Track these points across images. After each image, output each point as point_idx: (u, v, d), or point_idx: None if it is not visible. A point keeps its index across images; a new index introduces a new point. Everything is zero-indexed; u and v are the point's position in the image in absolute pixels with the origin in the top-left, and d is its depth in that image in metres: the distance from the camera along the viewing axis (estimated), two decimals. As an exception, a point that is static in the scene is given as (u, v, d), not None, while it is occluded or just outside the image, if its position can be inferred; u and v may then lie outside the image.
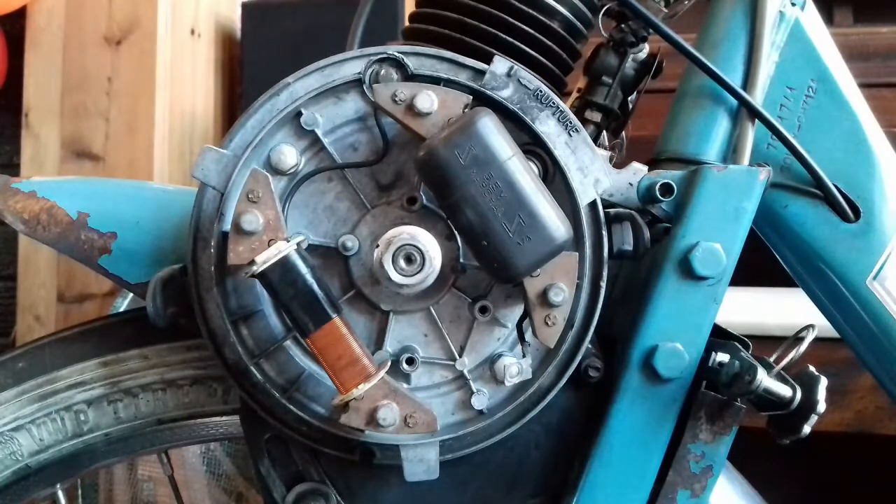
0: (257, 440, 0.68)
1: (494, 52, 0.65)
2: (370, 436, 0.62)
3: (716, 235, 0.64)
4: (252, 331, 0.64)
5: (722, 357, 0.65)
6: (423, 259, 0.59)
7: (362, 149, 0.64)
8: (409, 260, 0.59)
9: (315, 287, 0.57)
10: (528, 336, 0.64)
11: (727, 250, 0.64)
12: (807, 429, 0.61)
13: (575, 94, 0.78)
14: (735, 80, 0.70)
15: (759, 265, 0.79)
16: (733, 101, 0.70)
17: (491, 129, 0.56)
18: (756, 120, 0.69)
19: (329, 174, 0.64)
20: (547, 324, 0.59)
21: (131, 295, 1.47)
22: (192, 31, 2.01)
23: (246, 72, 2.04)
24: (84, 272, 1.83)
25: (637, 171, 0.66)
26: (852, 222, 0.71)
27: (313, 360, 0.64)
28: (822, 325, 0.68)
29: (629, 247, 0.64)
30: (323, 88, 0.62)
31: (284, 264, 0.56)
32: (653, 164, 0.72)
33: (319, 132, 0.63)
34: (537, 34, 0.69)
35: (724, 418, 0.65)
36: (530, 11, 0.69)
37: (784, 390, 0.61)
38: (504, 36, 0.68)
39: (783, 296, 1.51)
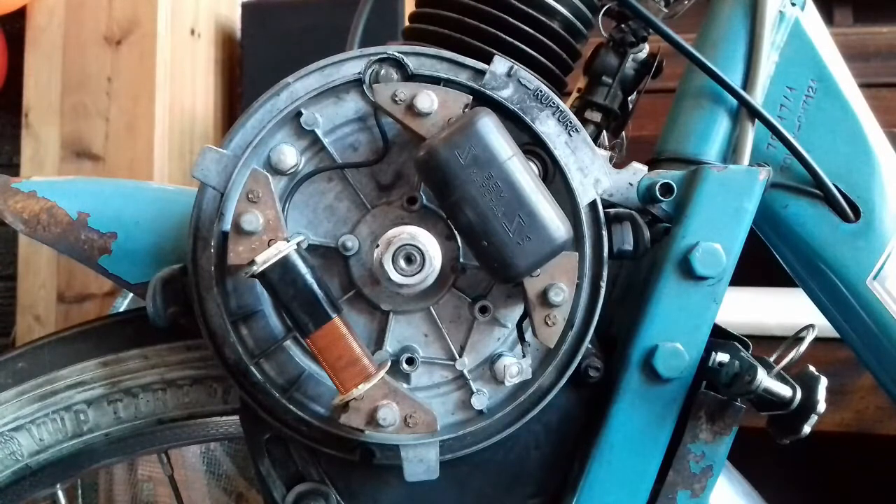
0: (257, 440, 0.68)
1: (494, 52, 0.65)
2: (370, 436, 0.62)
3: (716, 235, 0.64)
4: (252, 331, 0.64)
5: (722, 357, 0.65)
6: (423, 259, 0.58)
7: (362, 149, 0.64)
8: (409, 260, 0.59)
9: (315, 287, 0.57)
10: (528, 336, 0.64)
11: (727, 250, 0.64)
12: (807, 429, 0.61)
13: (575, 94, 0.78)
14: (735, 80, 0.70)
15: (759, 265, 0.79)
16: (733, 101, 0.70)
17: (491, 129, 0.56)
18: (756, 120, 0.69)
19: (329, 174, 0.64)
20: (547, 324, 0.59)
21: (131, 295, 1.47)
22: (192, 31, 2.01)
23: (246, 72, 2.04)
24: (84, 272, 1.83)
25: (637, 171, 0.66)
26: (852, 222, 0.71)
27: (313, 360, 0.64)
28: (822, 325, 0.68)
29: (629, 247, 0.64)
30: (323, 88, 0.62)
31: (284, 264, 0.56)
32: (653, 164, 0.72)
33: (319, 132, 0.63)
34: (537, 34, 0.69)
35: (724, 418, 0.65)
36: (530, 11, 0.69)
37: (784, 390, 0.61)
38: (504, 36, 0.68)
39: (783, 296, 1.52)
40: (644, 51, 0.77)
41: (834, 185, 0.70)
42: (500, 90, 0.62)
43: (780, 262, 0.76)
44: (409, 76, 0.62)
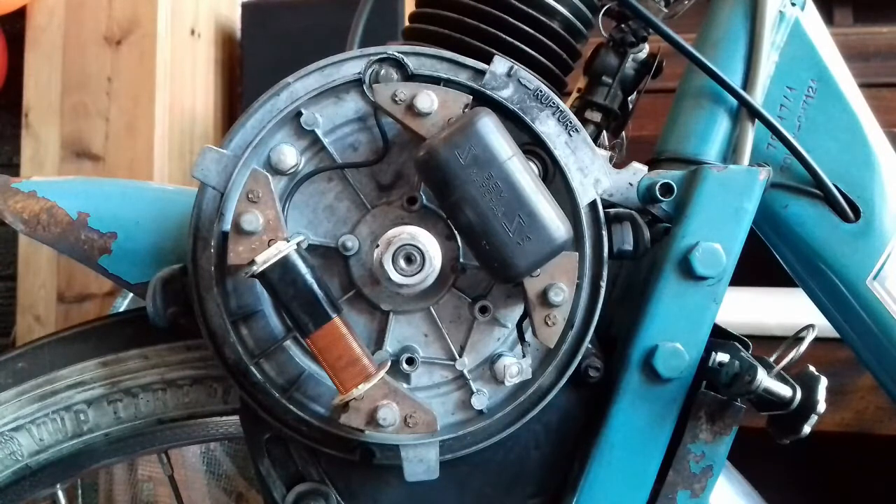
0: (257, 440, 0.68)
1: (494, 52, 0.65)
2: (370, 436, 0.62)
3: (716, 235, 0.64)
4: (252, 331, 0.64)
5: (722, 357, 0.65)
6: (423, 259, 0.58)
7: (362, 149, 0.64)
8: (409, 260, 0.59)
9: (315, 287, 0.57)
10: (528, 336, 0.64)
11: (727, 250, 0.64)
12: (807, 429, 0.61)
13: (575, 94, 0.78)
14: (735, 80, 0.70)
15: (759, 265, 0.79)
16: (733, 101, 0.70)
17: (491, 129, 0.56)
18: (756, 120, 0.69)
19: (329, 174, 0.64)
20: (547, 324, 0.59)
21: (131, 295, 1.47)
22: (192, 31, 2.01)
23: (246, 72, 2.04)
24: (84, 272, 1.83)
25: (637, 171, 0.66)
26: (852, 222, 0.71)
27: (313, 360, 0.64)
28: (822, 325, 0.68)
29: (629, 247, 0.64)
30: (323, 88, 0.62)
31: (284, 264, 0.56)
32: (653, 164, 0.72)
33: (319, 132, 0.63)
34: (537, 34, 0.69)
35: (724, 418, 0.65)
36: (530, 11, 0.69)
37: (784, 390, 0.61)
38: (504, 36, 0.68)
39: (783, 296, 1.52)
40: (644, 51, 0.77)
41: (834, 185, 0.70)
42: (500, 90, 0.62)
43: (780, 262, 0.76)
44: (409, 76, 0.62)
